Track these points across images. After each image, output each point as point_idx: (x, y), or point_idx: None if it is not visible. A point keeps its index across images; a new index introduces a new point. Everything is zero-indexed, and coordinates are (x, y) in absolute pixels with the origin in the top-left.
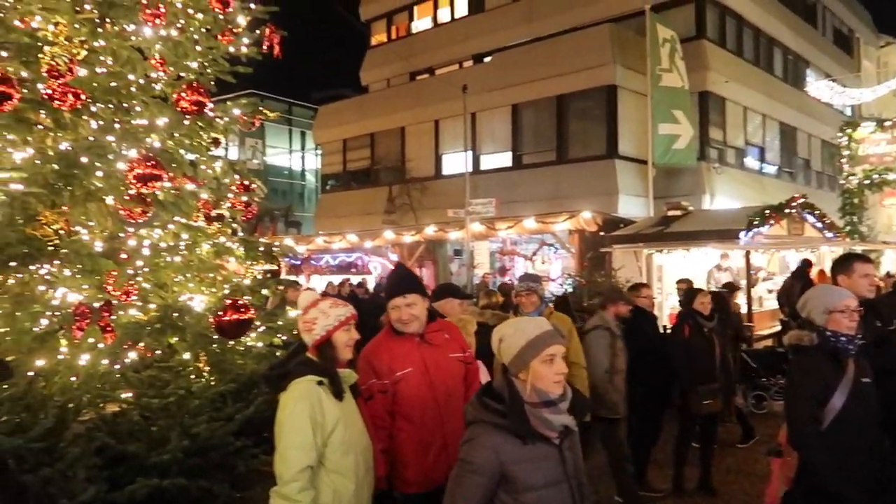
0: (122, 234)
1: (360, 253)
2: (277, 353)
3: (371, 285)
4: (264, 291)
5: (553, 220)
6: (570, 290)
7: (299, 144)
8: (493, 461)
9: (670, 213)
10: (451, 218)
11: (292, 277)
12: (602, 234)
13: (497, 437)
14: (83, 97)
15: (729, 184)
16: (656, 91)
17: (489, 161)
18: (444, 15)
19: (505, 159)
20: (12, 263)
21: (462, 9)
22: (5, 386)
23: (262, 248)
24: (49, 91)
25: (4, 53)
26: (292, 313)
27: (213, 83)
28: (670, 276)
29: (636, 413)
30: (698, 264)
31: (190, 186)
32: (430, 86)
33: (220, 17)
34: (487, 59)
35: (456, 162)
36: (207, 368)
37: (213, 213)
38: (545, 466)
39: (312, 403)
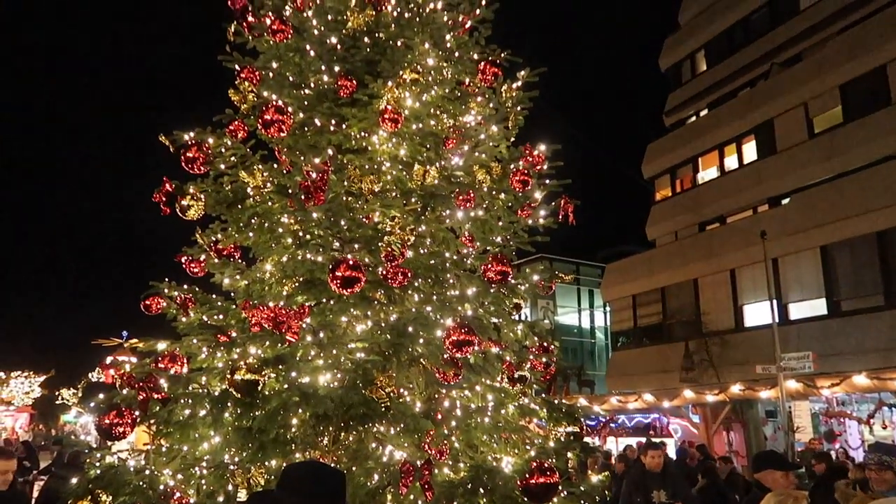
0: (436, 396)
1: (657, 413)
2: None
3: (672, 449)
4: (569, 454)
5: (892, 375)
6: None
7: (587, 303)
8: None
9: None
10: (759, 375)
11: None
12: None
13: None
14: (409, 275)
15: None
16: None
17: (799, 310)
18: (731, 162)
19: (819, 307)
20: (351, 423)
21: (751, 154)
22: None
23: (563, 410)
24: (384, 272)
25: (356, 245)
26: (594, 479)
27: (514, 253)
28: None
29: None
30: None
31: (495, 350)
32: (723, 234)
33: (520, 194)
34: (785, 202)
35: (759, 312)
36: None
37: (516, 374)
38: None
39: None
